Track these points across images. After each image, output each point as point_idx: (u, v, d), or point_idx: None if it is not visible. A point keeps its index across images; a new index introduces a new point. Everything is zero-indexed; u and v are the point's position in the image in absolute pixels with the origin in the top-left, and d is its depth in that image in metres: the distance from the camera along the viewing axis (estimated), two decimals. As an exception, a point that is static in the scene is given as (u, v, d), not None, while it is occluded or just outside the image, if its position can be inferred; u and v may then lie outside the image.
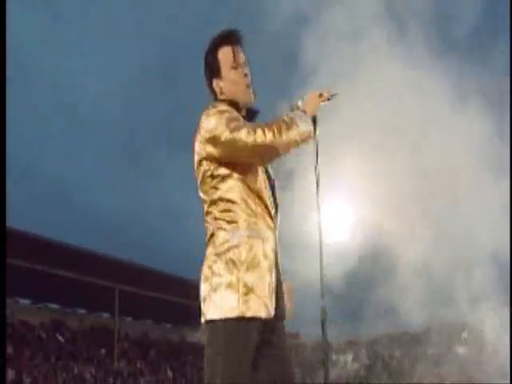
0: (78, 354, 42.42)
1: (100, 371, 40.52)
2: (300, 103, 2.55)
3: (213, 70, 2.62)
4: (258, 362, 2.32)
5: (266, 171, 2.61)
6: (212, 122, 2.40)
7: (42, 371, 37.22)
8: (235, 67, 2.59)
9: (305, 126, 2.42)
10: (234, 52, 2.58)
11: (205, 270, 2.49)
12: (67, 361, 39.71)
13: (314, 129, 2.54)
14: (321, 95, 2.58)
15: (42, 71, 73.51)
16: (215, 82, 2.63)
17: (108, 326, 45.97)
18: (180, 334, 52.63)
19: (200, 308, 2.51)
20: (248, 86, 2.62)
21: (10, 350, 37.88)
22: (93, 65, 74.54)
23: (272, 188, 2.60)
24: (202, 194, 2.54)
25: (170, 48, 68.26)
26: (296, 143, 2.40)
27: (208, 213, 2.50)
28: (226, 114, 2.43)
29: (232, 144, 2.34)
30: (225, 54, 2.57)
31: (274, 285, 2.40)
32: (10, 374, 34.55)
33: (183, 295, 43.85)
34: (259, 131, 2.30)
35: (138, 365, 40.53)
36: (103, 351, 43.48)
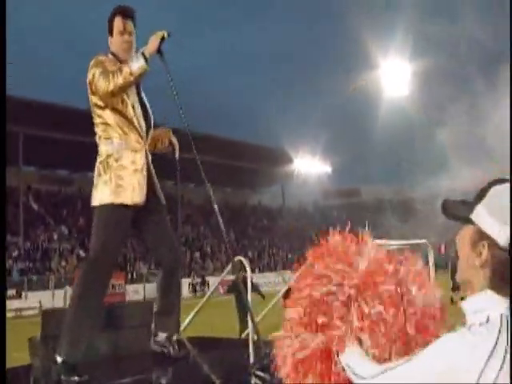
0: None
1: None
2: (144, 48, 3.40)
3: (109, 30, 3.62)
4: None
5: (140, 98, 3.62)
6: (90, 72, 3.42)
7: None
8: (122, 33, 3.60)
9: (135, 65, 3.31)
10: (123, 23, 3.59)
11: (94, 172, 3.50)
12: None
13: (162, 58, 3.42)
14: (159, 36, 3.38)
15: None
16: (109, 39, 3.65)
17: (171, 193, 47.38)
18: (241, 197, 54.08)
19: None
20: (125, 50, 3.60)
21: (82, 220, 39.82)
22: None
23: (146, 110, 3.64)
24: (94, 118, 3.55)
25: None
26: (130, 79, 3.31)
27: (96, 133, 3.54)
28: (100, 66, 3.41)
29: (96, 90, 3.39)
30: (117, 23, 3.59)
31: (142, 181, 3.46)
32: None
33: (244, 159, 44.74)
34: (104, 82, 3.32)
35: (202, 229, 42.00)
36: (167, 217, 45.08)
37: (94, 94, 3.47)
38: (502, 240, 1.16)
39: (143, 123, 3.58)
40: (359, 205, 65.42)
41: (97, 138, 3.54)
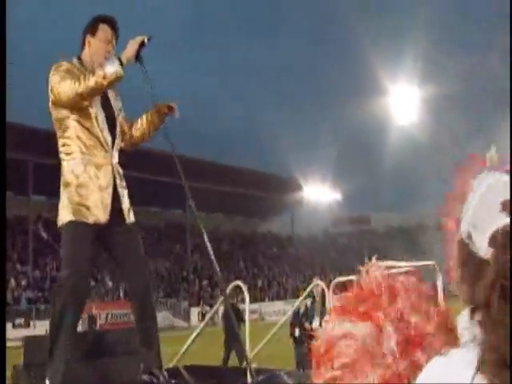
0: (155, 249, 44.20)
1: (175, 265, 42.15)
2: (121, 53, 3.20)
3: (92, 30, 3.36)
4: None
5: (109, 109, 3.36)
6: (52, 79, 3.19)
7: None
8: (106, 42, 3.35)
9: (110, 69, 3.07)
10: (111, 34, 3.37)
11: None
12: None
13: (141, 64, 3.24)
14: (137, 41, 3.18)
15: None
16: (88, 38, 3.37)
17: (181, 222, 47.55)
18: (251, 225, 53.92)
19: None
20: (105, 59, 3.26)
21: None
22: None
23: (112, 122, 3.35)
24: (57, 133, 3.35)
25: None
26: (103, 82, 3.08)
27: (58, 147, 3.34)
28: (62, 71, 3.19)
29: (60, 95, 3.15)
30: (106, 30, 3.36)
31: (107, 199, 3.22)
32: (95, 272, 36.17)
33: (253, 187, 44.67)
34: (72, 84, 3.09)
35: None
36: (178, 246, 45.13)
37: (54, 103, 3.23)
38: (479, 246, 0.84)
39: (108, 136, 3.32)
40: (369, 232, 65.08)
41: (59, 153, 3.33)
